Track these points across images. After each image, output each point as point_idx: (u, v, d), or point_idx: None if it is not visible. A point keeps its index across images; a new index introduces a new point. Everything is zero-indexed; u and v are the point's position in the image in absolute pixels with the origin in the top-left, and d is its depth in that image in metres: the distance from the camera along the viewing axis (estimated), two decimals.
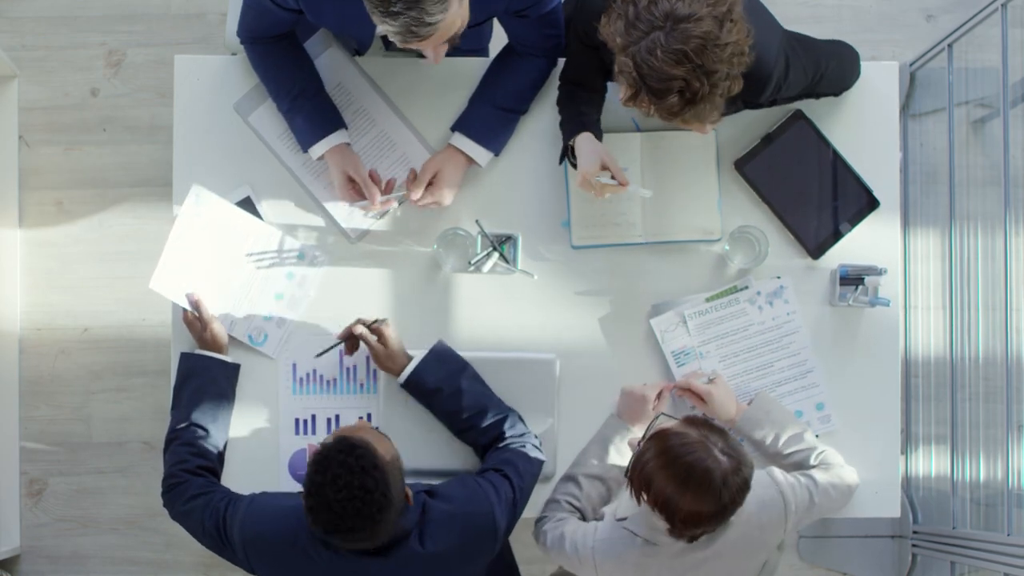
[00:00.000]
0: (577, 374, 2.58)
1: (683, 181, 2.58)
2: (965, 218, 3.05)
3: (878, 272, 2.56)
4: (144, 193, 3.36)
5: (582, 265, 2.60)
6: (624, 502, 2.31)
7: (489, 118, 2.54)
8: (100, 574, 3.32)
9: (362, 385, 2.58)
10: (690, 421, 2.16)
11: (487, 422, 2.43)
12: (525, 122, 2.59)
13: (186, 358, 2.52)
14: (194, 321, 2.53)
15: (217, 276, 2.56)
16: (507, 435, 2.42)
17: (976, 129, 3.34)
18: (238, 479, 2.47)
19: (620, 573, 2.27)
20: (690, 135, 2.55)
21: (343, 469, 2.06)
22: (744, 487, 2.12)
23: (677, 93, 2.12)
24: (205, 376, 2.50)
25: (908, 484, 3.19)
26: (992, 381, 3.01)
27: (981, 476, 3.02)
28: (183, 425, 2.46)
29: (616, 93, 2.26)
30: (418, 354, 2.47)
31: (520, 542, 2.50)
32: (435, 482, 2.35)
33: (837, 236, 2.60)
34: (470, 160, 2.55)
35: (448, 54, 2.31)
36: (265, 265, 2.58)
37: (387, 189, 2.56)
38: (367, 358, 2.57)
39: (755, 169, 2.59)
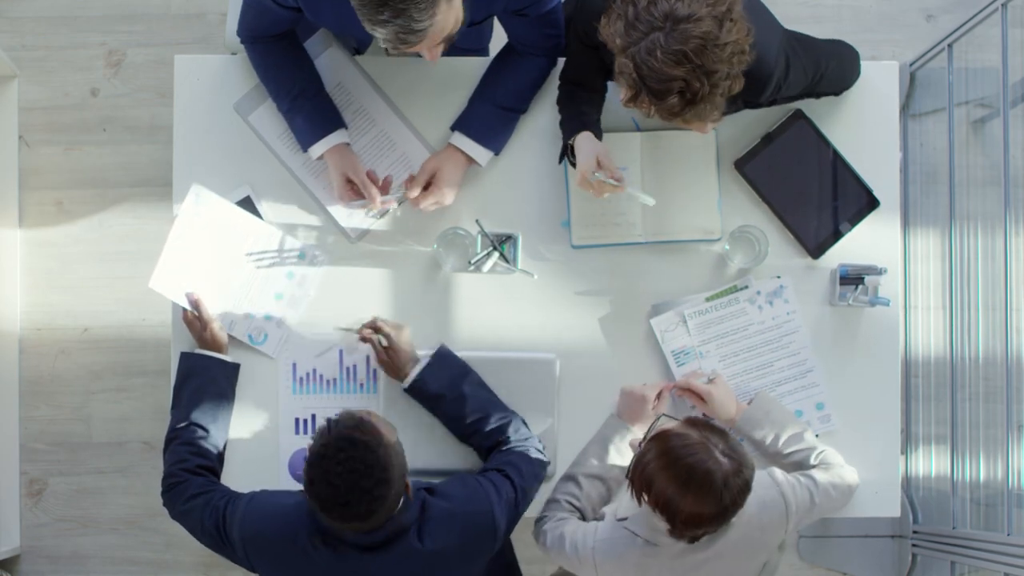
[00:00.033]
0: (577, 374, 2.58)
1: (683, 181, 2.58)
2: (965, 218, 3.05)
3: (878, 272, 2.56)
4: (144, 193, 3.36)
5: (582, 265, 2.60)
6: (625, 502, 2.31)
7: (489, 117, 2.54)
8: (100, 574, 3.32)
9: (362, 385, 2.58)
10: (692, 422, 2.16)
11: (490, 426, 2.43)
12: (525, 121, 2.59)
13: (186, 358, 2.52)
14: (194, 321, 2.53)
15: (217, 276, 2.56)
16: (511, 439, 2.42)
17: (976, 129, 3.34)
18: (238, 479, 2.47)
19: (620, 573, 2.26)
20: (690, 135, 2.55)
21: (346, 442, 2.07)
22: (745, 489, 2.12)
23: (677, 94, 2.12)
24: (205, 376, 2.50)
25: (908, 484, 3.19)
26: (992, 381, 3.01)
27: (981, 476, 3.02)
28: (183, 425, 2.46)
29: (616, 93, 2.26)
30: (421, 359, 2.47)
31: (520, 542, 2.50)
32: (435, 481, 2.35)
33: (837, 236, 2.60)
34: (470, 159, 2.55)
35: (448, 54, 2.31)
36: (265, 265, 2.58)
37: (384, 186, 2.57)
38: (367, 358, 2.57)
39: (755, 169, 2.59)
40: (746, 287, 2.58)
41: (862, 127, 2.61)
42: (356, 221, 2.60)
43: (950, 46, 2.99)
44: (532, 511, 2.45)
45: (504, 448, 2.41)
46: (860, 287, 2.56)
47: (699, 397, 2.50)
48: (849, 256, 2.60)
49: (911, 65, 3.17)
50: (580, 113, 2.45)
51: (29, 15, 3.40)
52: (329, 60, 2.60)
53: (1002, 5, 2.73)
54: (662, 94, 2.12)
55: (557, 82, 2.54)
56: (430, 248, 2.58)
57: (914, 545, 3.18)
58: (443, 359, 2.49)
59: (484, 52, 2.73)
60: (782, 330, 2.59)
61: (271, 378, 2.58)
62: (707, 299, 2.58)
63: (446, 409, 2.46)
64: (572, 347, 2.58)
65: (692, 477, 2.07)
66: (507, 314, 2.59)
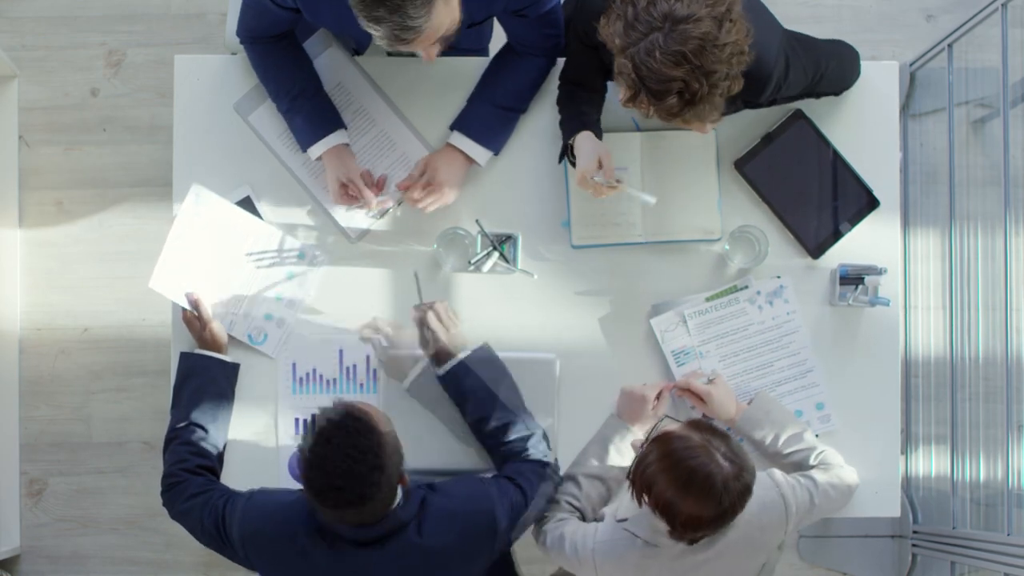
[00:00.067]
0: (577, 374, 2.58)
1: (683, 181, 2.58)
2: (965, 218, 3.05)
3: (878, 272, 2.56)
4: (144, 193, 3.36)
5: (582, 265, 2.60)
6: (625, 503, 2.31)
7: (488, 117, 2.54)
8: (100, 574, 3.32)
9: (362, 385, 2.58)
10: (694, 425, 2.16)
11: (512, 436, 2.40)
12: (525, 121, 2.59)
13: (186, 358, 2.52)
14: (193, 320, 2.53)
15: (217, 276, 2.56)
16: (529, 452, 2.40)
17: (976, 129, 3.34)
18: (238, 479, 2.47)
19: (620, 574, 2.26)
20: (690, 135, 2.55)
21: (340, 430, 2.08)
22: (745, 492, 2.11)
23: (676, 94, 2.12)
24: (205, 376, 2.50)
25: (908, 484, 3.19)
26: (992, 381, 3.01)
27: (981, 476, 3.02)
28: (183, 424, 2.46)
29: (616, 93, 2.26)
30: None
31: (520, 542, 2.50)
32: (437, 480, 2.35)
33: (837, 236, 2.60)
34: (469, 159, 2.55)
35: (448, 54, 2.31)
36: (265, 265, 2.58)
37: (379, 184, 2.56)
38: (367, 358, 2.57)
39: (755, 169, 2.59)
40: (746, 287, 2.58)
41: (862, 127, 2.61)
42: (356, 221, 2.60)
43: (950, 46, 2.99)
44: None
45: (519, 460, 2.40)
46: (860, 287, 2.56)
47: (699, 397, 2.50)
48: (849, 256, 2.60)
49: (911, 65, 3.17)
50: (580, 113, 2.45)
51: (29, 15, 3.40)
52: (329, 60, 2.60)
53: (1002, 5, 2.73)
54: (661, 94, 2.12)
55: (557, 82, 2.54)
56: (430, 248, 2.58)
57: (914, 545, 3.18)
58: (485, 359, 2.46)
59: (484, 52, 2.73)
60: (782, 330, 2.59)
61: (271, 378, 2.58)
62: (707, 299, 2.58)
63: (474, 406, 2.44)
64: (572, 347, 2.58)
65: (693, 480, 2.07)
66: (507, 314, 2.59)
